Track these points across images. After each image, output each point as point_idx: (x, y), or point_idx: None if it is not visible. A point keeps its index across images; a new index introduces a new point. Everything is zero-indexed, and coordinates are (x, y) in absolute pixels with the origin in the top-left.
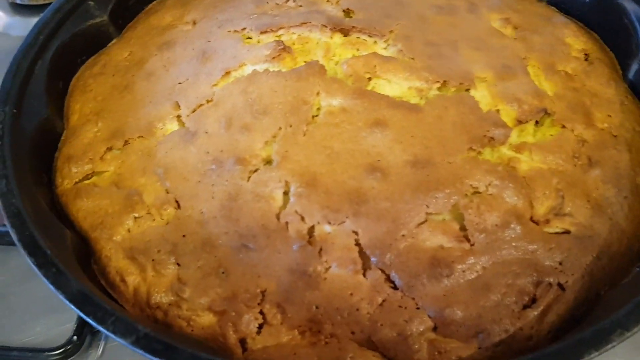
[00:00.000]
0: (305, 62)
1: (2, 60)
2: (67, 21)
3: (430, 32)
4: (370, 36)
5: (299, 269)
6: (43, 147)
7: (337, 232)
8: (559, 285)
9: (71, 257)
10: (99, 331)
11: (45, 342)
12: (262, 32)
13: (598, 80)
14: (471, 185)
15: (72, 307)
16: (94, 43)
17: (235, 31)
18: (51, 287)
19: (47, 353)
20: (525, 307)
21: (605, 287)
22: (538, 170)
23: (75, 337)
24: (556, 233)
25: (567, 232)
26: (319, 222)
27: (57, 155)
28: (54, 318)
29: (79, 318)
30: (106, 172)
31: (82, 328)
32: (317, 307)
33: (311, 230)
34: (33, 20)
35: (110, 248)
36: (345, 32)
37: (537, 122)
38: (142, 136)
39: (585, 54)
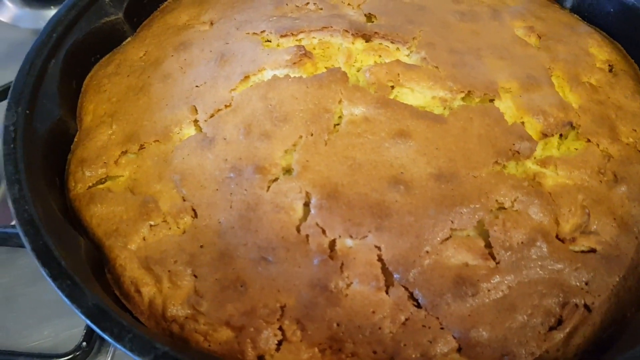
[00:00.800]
0: (326, 68)
1: (11, 52)
2: (82, 18)
3: (454, 39)
4: (392, 42)
5: (320, 284)
6: (56, 149)
7: (359, 247)
8: (585, 306)
9: (86, 268)
10: None
11: (53, 347)
12: (282, 36)
13: (623, 92)
14: (497, 200)
15: (88, 322)
16: (108, 41)
17: (254, 33)
18: (66, 300)
19: (55, 359)
20: (551, 328)
21: (632, 309)
22: (564, 185)
23: (84, 344)
24: (582, 252)
25: (592, 250)
26: (340, 236)
27: (69, 158)
28: (62, 322)
29: None
30: (121, 177)
31: (91, 334)
32: (338, 325)
33: (332, 244)
34: (42, 13)
35: (125, 257)
36: (367, 38)
37: (561, 136)
38: (158, 140)
39: (610, 65)
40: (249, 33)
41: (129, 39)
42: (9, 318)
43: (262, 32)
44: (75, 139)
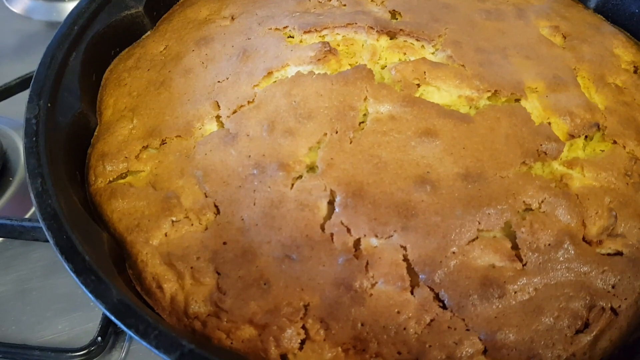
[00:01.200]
0: (350, 65)
1: (23, 44)
2: (103, 11)
3: (480, 37)
4: (418, 40)
5: (344, 283)
6: (77, 142)
7: (384, 247)
8: (612, 309)
9: (109, 263)
10: (123, 332)
11: (67, 341)
12: (305, 32)
13: None
14: (524, 201)
15: (113, 318)
16: (128, 34)
17: (277, 29)
18: (91, 296)
19: (70, 354)
20: (578, 331)
21: None
22: (590, 187)
23: (99, 339)
24: (609, 254)
25: (619, 253)
26: (365, 235)
27: (90, 152)
28: (77, 316)
29: (104, 318)
30: (142, 172)
31: (106, 328)
32: (362, 325)
33: (357, 243)
34: (55, 5)
35: (147, 253)
36: (391, 35)
37: (586, 137)
38: (179, 136)
39: (635, 67)
40: (271, 28)
41: (148, 32)
42: (24, 312)
43: (284, 27)
44: (96, 133)
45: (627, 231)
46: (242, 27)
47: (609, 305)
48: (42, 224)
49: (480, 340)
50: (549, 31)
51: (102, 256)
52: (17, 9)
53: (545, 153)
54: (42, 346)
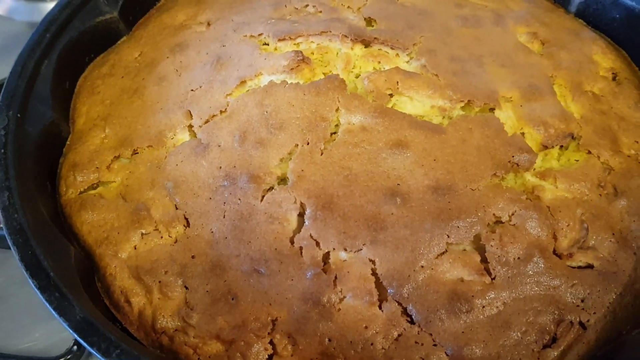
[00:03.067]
0: (324, 74)
1: (6, 45)
2: (76, 18)
3: (455, 45)
4: (392, 48)
5: (313, 298)
6: (48, 152)
7: (353, 260)
8: (581, 323)
9: (75, 278)
10: None
11: (44, 349)
12: (280, 40)
13: (626, 102)
14: (494, 214)
15: (76, 336)
16: (102, 40)
17: (252, 36)
18: (54, 313)
19: None
20: (545, 346)
21: (627, 327)
22: (563, 199)
23: (75, 347)
24: (579, 267)
25: (590, 266)
26: (334, 249)
27: (62, 161)
28: (54, 323)
29: None
30: (113, 182)
31: None
32: (329, 340)
33: (326, 256)
34: (38, 5)
35: (115, 266)
36: (366, 43)
37: (561, 146)
38: (151, 146)
39: (614, 73)
40: (246, 36)
41: (124, 38)
42: (1, 318)
43: (259, 35)
44: (68, 142)
45: (598, 244)
46: (217, 33)
47: (578, 319)
48: (8, 239)
49: (447, 355)
50: (526, 38)
51: (67, 271)
52: None
53: (517, 164)
54: (18, 355)
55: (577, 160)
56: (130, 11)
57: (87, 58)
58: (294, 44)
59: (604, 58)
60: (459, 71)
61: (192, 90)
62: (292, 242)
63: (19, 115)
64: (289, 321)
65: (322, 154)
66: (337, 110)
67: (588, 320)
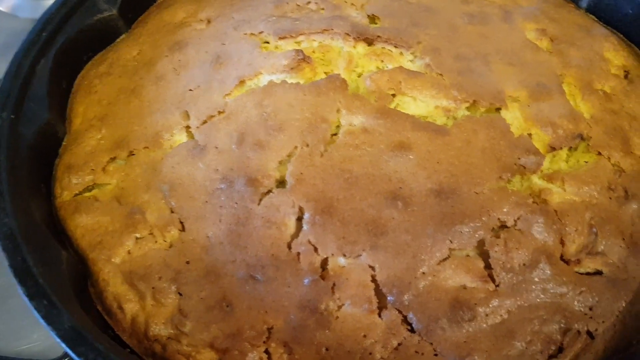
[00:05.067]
0: (325, 73)
1: (10, 42)
2: (73, 16)
3: (461, 43)
4: (396, 47)
5: (310, 305)
6: (43, 153)
7: (352, 267)
8: (588, 333)
9: (66, 285)
10: None
11: (42, 351)
12: (280, 38)
13: (638, 101)
14: (499, 218)
15: (63, 345)
16: (101, 39)
17: (252, 34)
18: (42, 321)
19: None
20: (551, 357)
21: (638, 337)
22: (571, 203)
23: None
24: (587, 274)
25: (599, 272)
26: (333, 254)
27: (57, 163)
28: None
29: None
30: (108, 185)
31: None
32: (327, 349)
33: (324, 262)
34: (41, 2)
35: (109, 271)
36: (369, 42)
37: (570, 147)
38: (147, 147)
39: (626, 71)
40: (246, 34)
41: (123, 36)
42: (1, 320)
43: (260, 33)
44: (64, 143)
45: (608, 249)
46: (217, 31)
47: (585, 328)
48: None
49: None
50: (535, 35)
51: (58, 277)
52: (3, 7)
53: (524, 167)
54: (17, 357)
55: (587, 162)
56: (130, 8)
57: (85, 57)
58: (295, 43)
59: (615, 55)
60: (464, 70)
61: (190, 90)
62: (289, 248)
63: (12, 116)
64: (285, 329)
65: (322, 157)
66: (338, 111)
67: (596, 330)
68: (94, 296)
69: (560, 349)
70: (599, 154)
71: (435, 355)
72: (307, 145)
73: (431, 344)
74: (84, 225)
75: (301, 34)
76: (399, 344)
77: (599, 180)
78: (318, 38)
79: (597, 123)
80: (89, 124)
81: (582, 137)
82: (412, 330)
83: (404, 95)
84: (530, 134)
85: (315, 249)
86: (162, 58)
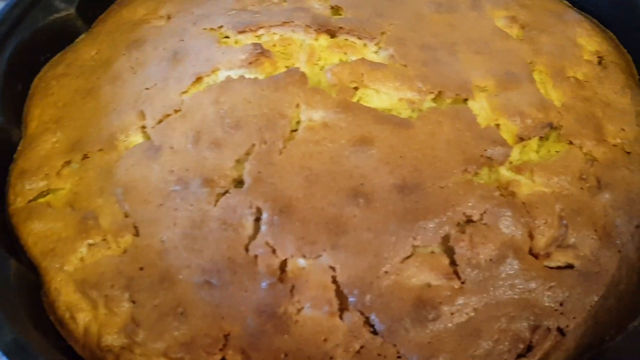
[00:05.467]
0: (286, 67)
1: None
2: (27, 16)
3: (427, 33)
4: (359, 38)
5: (268, 310)
6: None
7: (312, 268)
8: (559, 329)
9: (12, 295)
10: None
11: None
12: (240, 32)
13: (612, 87)
14: (464, 213)
15: (4, 359)
16: (59, 39)
17: (211, 29)
18: None
19: None
20: (519, 356)
21: (611, 332)
22: (540, 194)
23: None
24: (558, 268)
25: (570, 266)
26: (292, 256)
27: (11, 168)
28: None
29: None
30: (62, 190)
31: None
32: (286, 355)
33: (283, 264)
34: None
35: (61, 280)
36: (332, 33)
37: (541, 137)
38: (102, 149)
39: (599, 57)
40: (205, 29)
41: (83, 35)
42: None
43: (219, 27)
44: (19, 147)
45: (579, 241)
46: (176, 27)
47: (556, 325)
48: None
49: None
50: (505, 22)
51: (4, 287)
52: None
53: (490, 158)
54: None
55: (558, 152)
56: (89, 7)
57: (43, 58)
58: (256, 36)
59: (589, 41)
60: (430, 60)
61: (146, 88)
62: (247, 250)
63: None
64: (242, 336)
65: (280, 154)
66: (297, 106)
67: (567, 326)
68: (46, 306)
69: (530, 348)
70: (570, 143)
71: (399, 357)
72: (265, 143)
73: (395, 345)
74: (36, 233)
75: (261, 27)
76: (362, 347)
77: (570, 170)
78: (279, 31)
79: (569, 111)
80: (44, 127)
81: (551, 126)
82: (374, 332)
83: (366, 88)
84: (497, 125)
85: (274, 251)
86: (119, 57)
